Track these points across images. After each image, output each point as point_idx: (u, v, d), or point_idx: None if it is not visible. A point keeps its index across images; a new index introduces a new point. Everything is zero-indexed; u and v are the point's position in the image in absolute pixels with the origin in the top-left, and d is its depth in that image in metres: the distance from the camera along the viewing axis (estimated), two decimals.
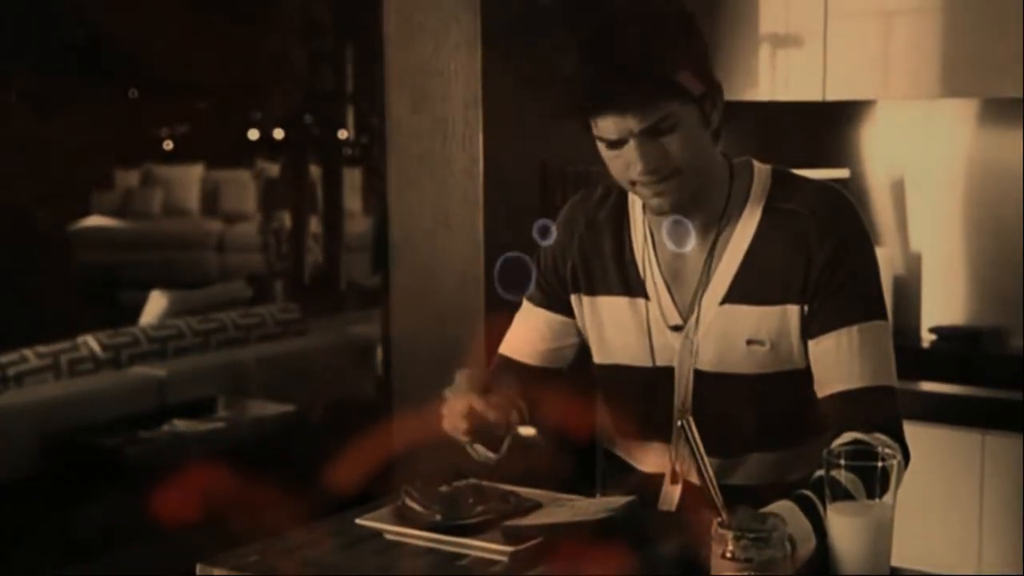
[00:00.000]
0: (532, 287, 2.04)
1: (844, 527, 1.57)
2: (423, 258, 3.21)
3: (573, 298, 1.99)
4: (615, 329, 1.94)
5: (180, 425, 4.85)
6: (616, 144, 1.78)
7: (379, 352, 4.88)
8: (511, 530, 1.68)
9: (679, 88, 1.74)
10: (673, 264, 1.91)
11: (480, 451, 1.88)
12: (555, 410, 1.94)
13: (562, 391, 1.95)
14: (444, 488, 1.78)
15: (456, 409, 1.80)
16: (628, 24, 1.75)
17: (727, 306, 1.86)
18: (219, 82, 10.85)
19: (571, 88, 1.76)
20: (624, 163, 1.79)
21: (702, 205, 1.86)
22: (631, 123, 1.74)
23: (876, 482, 1.57)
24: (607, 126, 1.76)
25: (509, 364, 2.02)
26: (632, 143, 1.76)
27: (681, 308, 1.90)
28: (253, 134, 11.54)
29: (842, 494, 1.57)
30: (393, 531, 1.74)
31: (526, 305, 2.04)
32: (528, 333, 2.02)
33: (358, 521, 1.75)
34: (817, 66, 3.25)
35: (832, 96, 3.26)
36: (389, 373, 3.37)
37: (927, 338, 3.45)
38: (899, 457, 1.61)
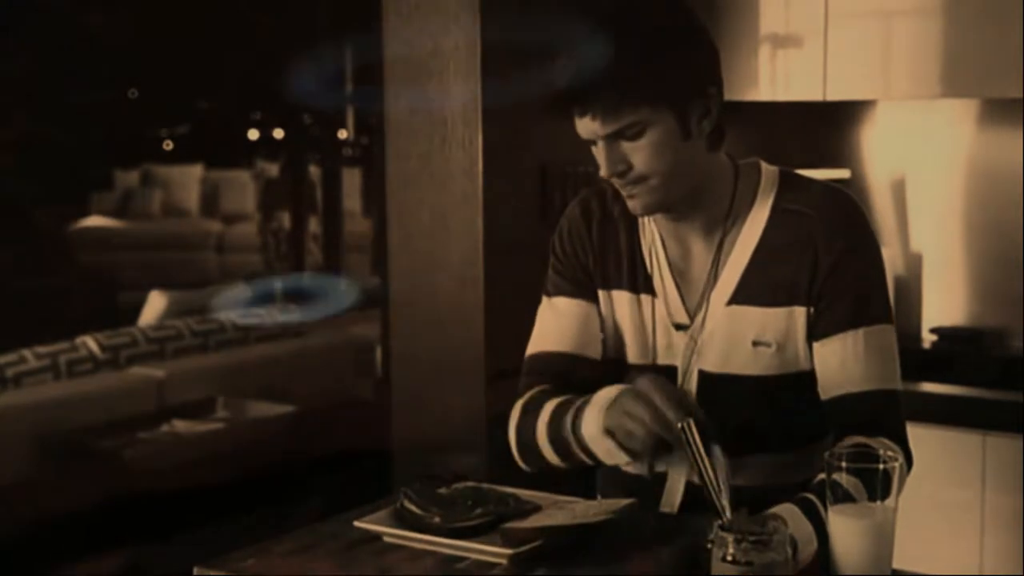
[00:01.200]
0: (550, 281, 1.99)
1: (846, 530, 1.56)
2: (422, 259, 3.20)
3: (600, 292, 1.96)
4: (622, 324, 1.93)
5: (179, 426, 4.84)
6: (592, 143, 1.81)
7: (378, 353, 4.87)
8: (510, 532, 1.66)
9: (649, 97, 1.74)
10: (681, 263, 1.90)
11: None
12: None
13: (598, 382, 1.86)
14: (443, 490, 1.77)
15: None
16: (608, 30, 1.76)
17: (733, 307, 1.85)
18: (218, 82, 10.86)
19: (549, 85, 1.79)
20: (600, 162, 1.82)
21: (702, 206, 1.86)
22: (596, 127, 1.76)
23: (877, 485, 1.56)
24: (579, 125, 1.79)
25: (541, 358, 1.96)
26: (600, 144, 1.79)
27: (688, 307, 1.89)
28: (253, 134, 11.55)
29: (843, 496, 1.57)
30: (391, 534, 1.73)
31: (548, 301, 1.98)
32: (557, 323, 1.96)
33: (356, 523, 1.74)
34: (818, 66, 3.25)
35: (833, 96, 3.26)
36: (388, 374, 3.36)
37: (928, 339, 3.45)
38: (901, 460, 1.60)
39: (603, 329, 1.95)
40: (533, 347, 1.98)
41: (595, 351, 1.94)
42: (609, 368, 1.94)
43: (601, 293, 1.95)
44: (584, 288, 1.95)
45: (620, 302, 1.93)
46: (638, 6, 1.80)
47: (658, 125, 1.76)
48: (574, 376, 1.92)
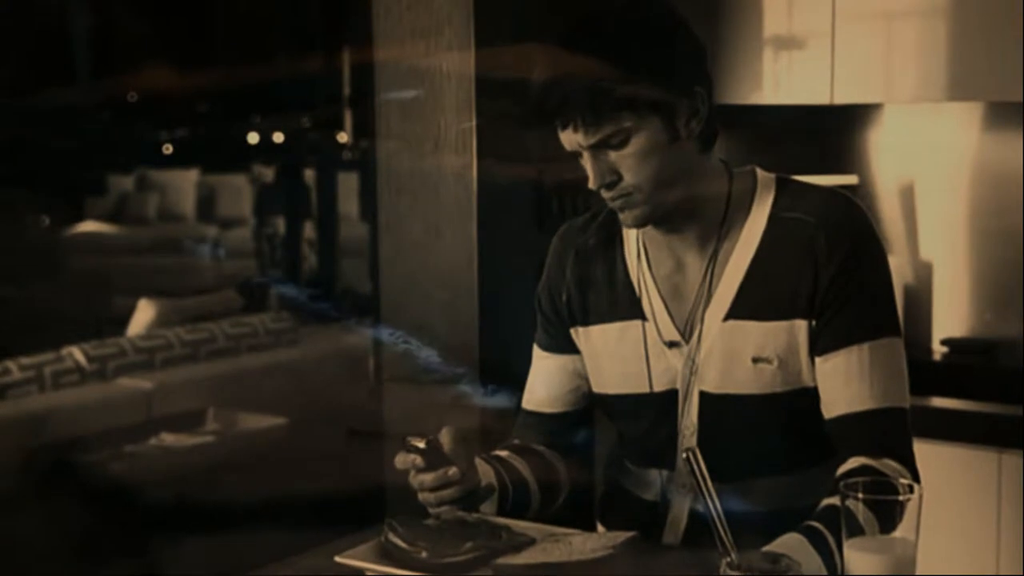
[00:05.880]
0: (538, 331, 1.97)
1: (865, 565, 1.48)
2: (414, 267, 3.16)
3: (572, 332, 1.91)
4: (611, 357, 1.86)
5: (167, 439, 4.82)
6: (578, 155, 1.74)
7: (371, 362, 4.84)
8: (503, 569, 1.59)
9: (630, 103, 1.67)
10: (671, 279, 1.82)
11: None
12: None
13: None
14: (430, 521, 1.70)
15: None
16: (584, 36, 1.70)
17: (731, 322, 1.77)
18: (215, 86, 10.86)
19: (526, 98, 1.73)
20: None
21: (695, 217, 1.78)
22: (579, 139, 1.71)
23: (895, 516, 1.48)
24: (562, 138, 1.73)
25: (532, 418, 1.97)
26: (586, 156, 1.72)
27: (679, 325, 1.81)
28: (250, 138, 11.56)
29: (856, 527, 1.48)
30: (375, 570, 1.64)
31: (536, 352, 1.98)
32: (544, 381, 1.96)
33: (338, 559, 1.66)
34: (824, 69, 3.20)
35: (840, 100, 3.21)
36: (381, 384, 3.29)
37: (938, 351, 3.38)
38: (919, 490, 1.51)
39: (585, 372, 1.92)
40: (523, 402, 2.00)
41: (567, 404, 1.95)
42: (603, 402, 1.90)
43: (582, 331, 1.89)
44: (561, 339, 1.93)
45: (605, 336, 1.87)
46: (611, 7, 1.73)
47: (643, 131, 1.69)
48: (543, 430, 1.94)
